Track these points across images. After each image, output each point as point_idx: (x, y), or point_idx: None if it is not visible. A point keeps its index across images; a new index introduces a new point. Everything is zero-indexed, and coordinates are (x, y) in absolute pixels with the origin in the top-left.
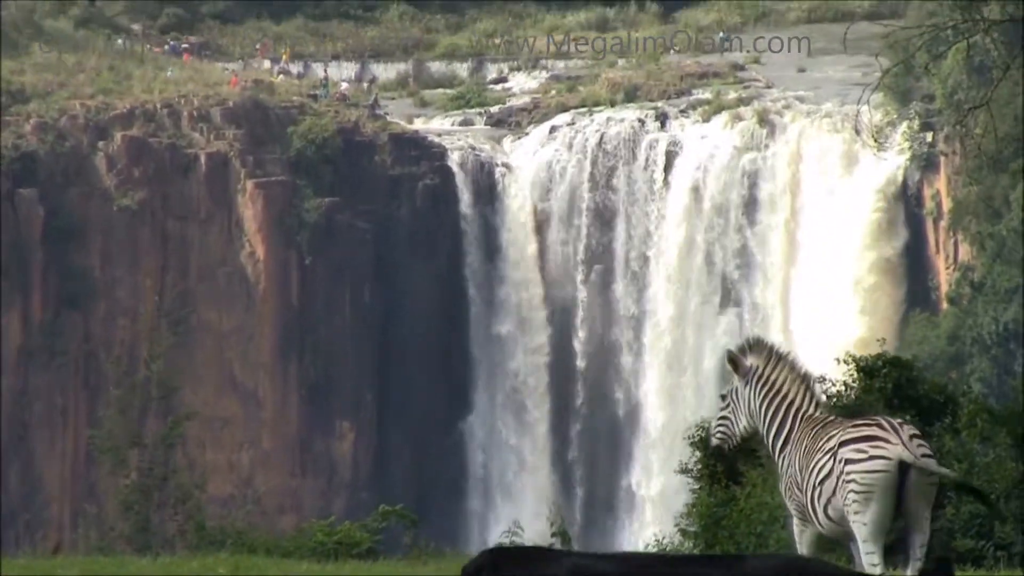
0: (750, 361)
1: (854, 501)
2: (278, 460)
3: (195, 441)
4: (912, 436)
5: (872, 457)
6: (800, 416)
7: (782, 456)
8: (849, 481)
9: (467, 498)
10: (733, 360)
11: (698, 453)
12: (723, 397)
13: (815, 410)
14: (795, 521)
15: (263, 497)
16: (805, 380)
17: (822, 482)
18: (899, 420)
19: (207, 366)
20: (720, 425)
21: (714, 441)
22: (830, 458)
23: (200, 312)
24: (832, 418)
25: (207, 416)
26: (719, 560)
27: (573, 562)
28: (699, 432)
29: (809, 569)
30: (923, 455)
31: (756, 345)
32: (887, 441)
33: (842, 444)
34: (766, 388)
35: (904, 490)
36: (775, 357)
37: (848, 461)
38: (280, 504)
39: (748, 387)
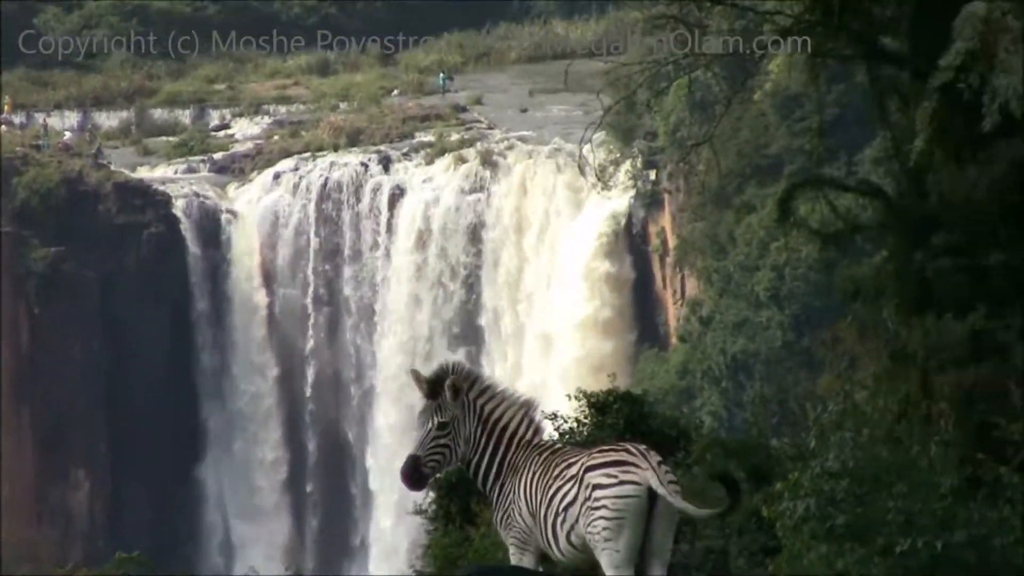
0: (459, 387)
1: (605, 528)
2: (14, 510)
3: None
4: (659, 463)
5: (622, 482)
6: (517, 443)
7: (496, 484)
8: (598, 508)
9: (204, 544)
10: (451, 383)
11: (432, 494)
12: (444, 425)
13: (533, 436)
14: (512, 551)
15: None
16: (523, 407)
17: (565, 509)
18: (644, 447)
19: None
20: (435, 453)
21: (427, 470)
22: (574, 484)
23: None
24: (561, 446)
25: None
26: None
27: None
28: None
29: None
30: (670, 482)
31: (460, 370)
32: (636, 466)
33: (588, 469)
34: (477, 415)
35: (651, 518)
36: (481, 381)
37: (597, 487)
38: (17, 554)
39: (466, 413)
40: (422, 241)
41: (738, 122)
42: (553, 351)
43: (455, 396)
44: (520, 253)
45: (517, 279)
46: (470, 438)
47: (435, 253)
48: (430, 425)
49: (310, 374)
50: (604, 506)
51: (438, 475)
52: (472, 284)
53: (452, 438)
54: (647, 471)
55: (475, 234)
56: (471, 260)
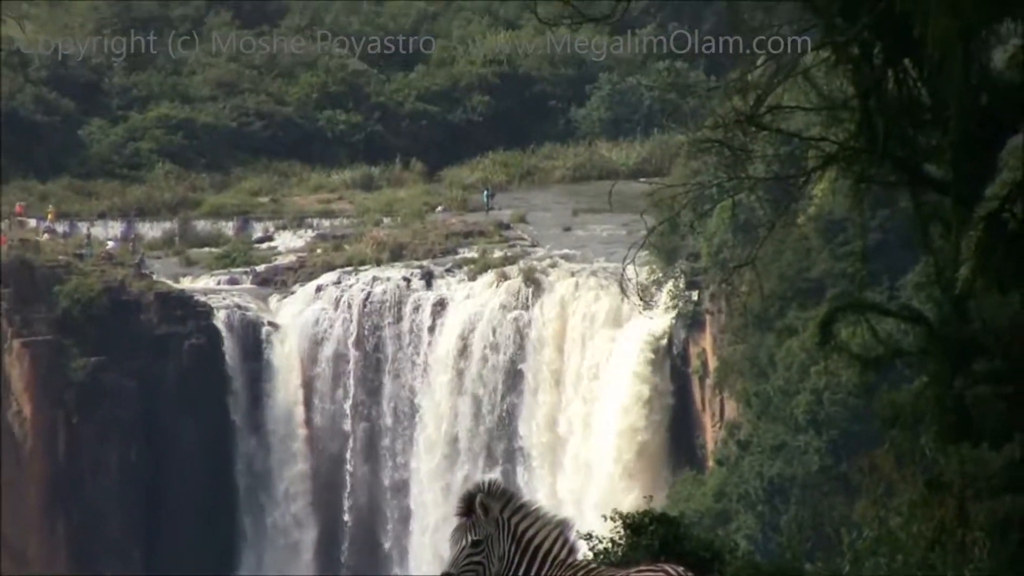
0: (494, 505)
1: None
2: None
3: None
4: None
5: None
6: (551, 561)
7: None
8: None
9: None
10: (482, 502)
11: None
12: (477, 544)
13: (568, 555)
14: None
15: None
16: (558, 526)
17: None
18: (682, 568)
19: None
20: (469, 569)
21: None
22: None
23: None
24: (596, 566)
25: None
26: None
27: None
28: None
29: None
30: None
31: (493, 489)
32: None
33: None
34: (511, 534)
35: None
36: (515, 501)
37: None
38: None
39: (499, 531)
40: (463, 357)
41: (781, 245)
42: (590, 471)
43: (487, 514)
44: (560, 371)
45: (556, 398)
46: (504, 556)
47: (475, 370)
48: (464, 543)
49: (348, 488)
50: None
51: None
52: (510, 402)
53: (486, 555)
54: None
55: (516, 352)
56: (511, 377)
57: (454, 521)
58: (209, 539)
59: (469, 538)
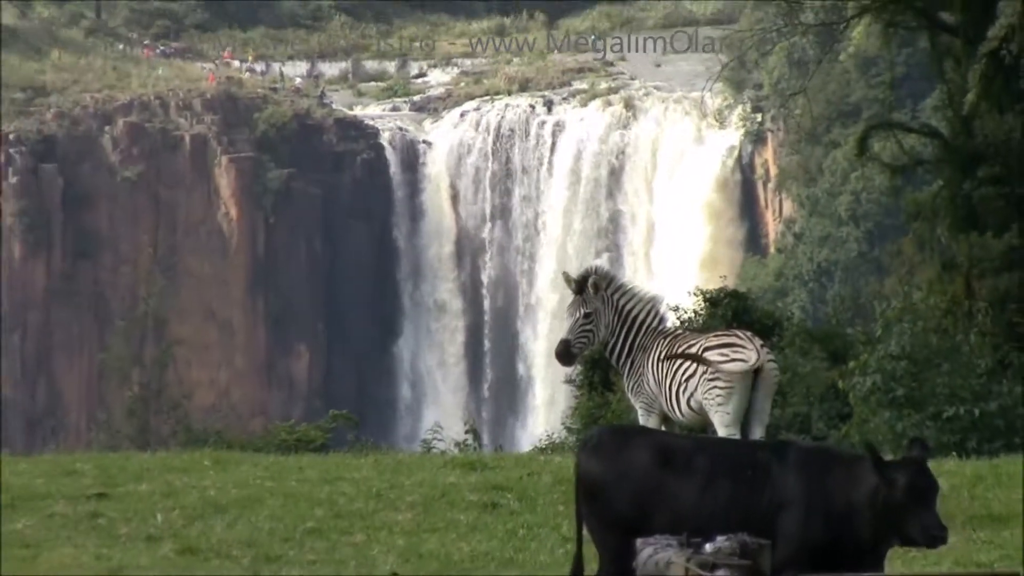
0: (602, 283)
1: (718, 395)
2: (249, 376)
3: (183, 362)
4: (762, 345)
5: (734, 359)
6: (643, 329)
7: (628, 360)
8: (714, 379)
9: (398, 405)
10: (594, 281)
11: (579, 368)
12: (588, 315)
13: (658, 324)
14: (641, 413)
15: (237, 405)
16: (651, 301)
17: (687, 379)
18: (750, 333)
19: (192, 303)
20: (583, 336)
21: (575, 350)
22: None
23: (186, 261)
24: (681, 332)
25: (192, 342)
26: (765, 443)
27: (659, 438)
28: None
29: (833, 450)
30: (770, 360)
31: (599, 271)
32: (745, 347)
33: (706, 349)
34: (613, 307)
35: (754, 389)
36: (615, 281)
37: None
38: (251, 410)
39: (604, 305)
40: (577, 166)
41: (826, 77)
42: (677, 256)
43: (596, 292)
44: (654, 177)
45: (650, 198)
46: (609, 325)
47: (587, 176)
48: (577, 315)
49: (486, 274)
50: (718, 378)
51: (584, 353)
52: (615, 202)
53: (595, 325)
54: (753, 352)
55: (619, 162)
56: (615, 182)
57: (568, 298)
58: (376, 313)
59: (581, 311)
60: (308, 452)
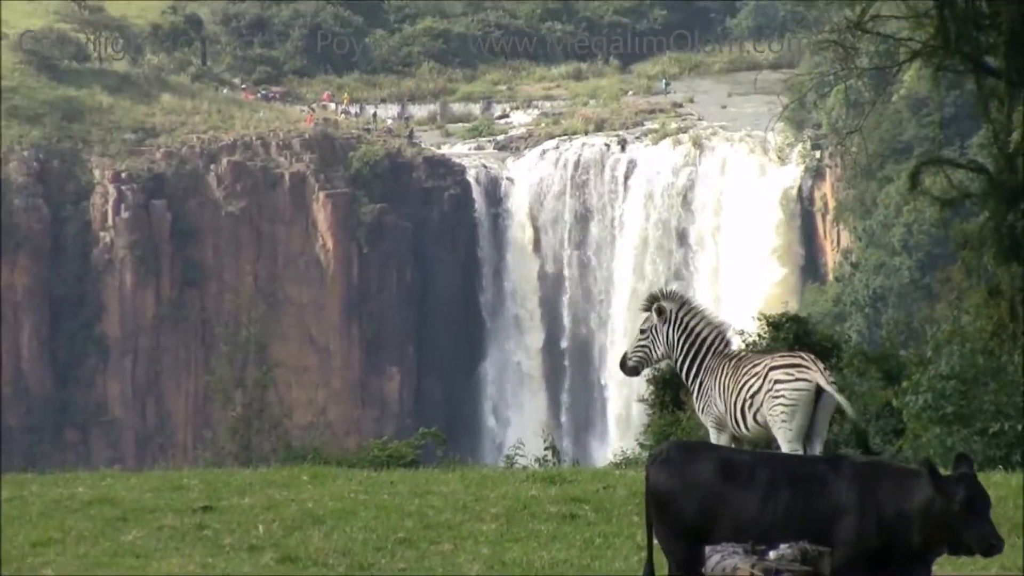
0: (668, 305)
1: (782, 412)
2: (344, 396)
3: (283, 383)
4: (825, 368)
5: (798, 379)
6: (711, 351)
7: (696, 381)
8: (778, 397)
9: (483, 423)
10: (657, 304)
11: (652, 387)
12: (643, 331)
13: (724, 347)
14: (712, 431)
15: (333, 423)
16: (718, 324)
17: (752, 396)
18: (813, 355)
19: (291, 329)
20: (638, 351)
21: (631, 363)
22: (759, 380)
23: (286, 289)
24: (745, 354)
25: (291, 365)
26: (822, 457)
27: (722, 452)
28: (652, 374)
29: (886, 463)
30: (831, 381)
31: (671, 294)
32: (808, 368)
33: (772, 369)
34: (682, 328)
35: (816, 407)
36: (688, 304)
37: (778, 381)
38: (346, 428)
39: (667, 325)
40: (649, 201)
41: (880, 117)
42: (742, 282)
43: (660, 313)
44: (720, 209)
45: (717, 229)
46: (674, 344)
47: (658, 206)
48: (637, 333)
49: (565, 300)
50: (783, 395)
51: (647, 368)
52: (684, 233)
53: (650, 341)
54: (815, 372)
55: (687, 196)
56: (684, 214)
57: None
58: (462, 337)
59: (640, 328)
60: (399, 467)
